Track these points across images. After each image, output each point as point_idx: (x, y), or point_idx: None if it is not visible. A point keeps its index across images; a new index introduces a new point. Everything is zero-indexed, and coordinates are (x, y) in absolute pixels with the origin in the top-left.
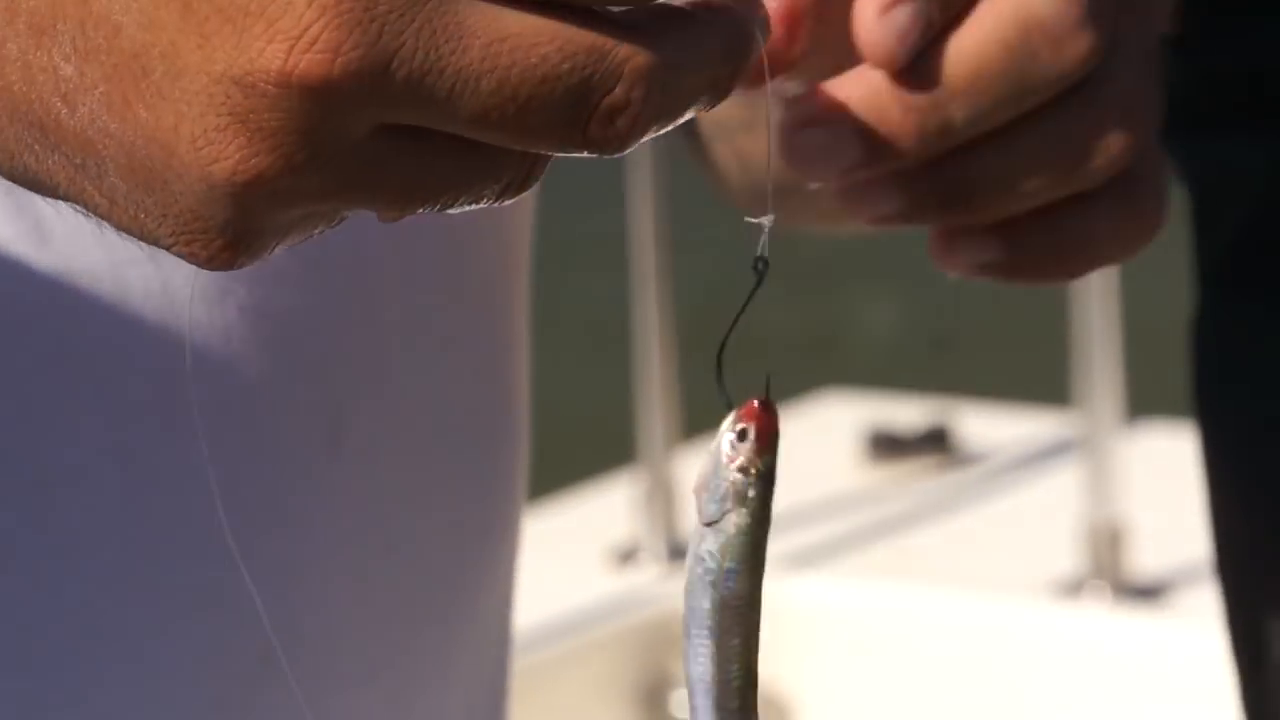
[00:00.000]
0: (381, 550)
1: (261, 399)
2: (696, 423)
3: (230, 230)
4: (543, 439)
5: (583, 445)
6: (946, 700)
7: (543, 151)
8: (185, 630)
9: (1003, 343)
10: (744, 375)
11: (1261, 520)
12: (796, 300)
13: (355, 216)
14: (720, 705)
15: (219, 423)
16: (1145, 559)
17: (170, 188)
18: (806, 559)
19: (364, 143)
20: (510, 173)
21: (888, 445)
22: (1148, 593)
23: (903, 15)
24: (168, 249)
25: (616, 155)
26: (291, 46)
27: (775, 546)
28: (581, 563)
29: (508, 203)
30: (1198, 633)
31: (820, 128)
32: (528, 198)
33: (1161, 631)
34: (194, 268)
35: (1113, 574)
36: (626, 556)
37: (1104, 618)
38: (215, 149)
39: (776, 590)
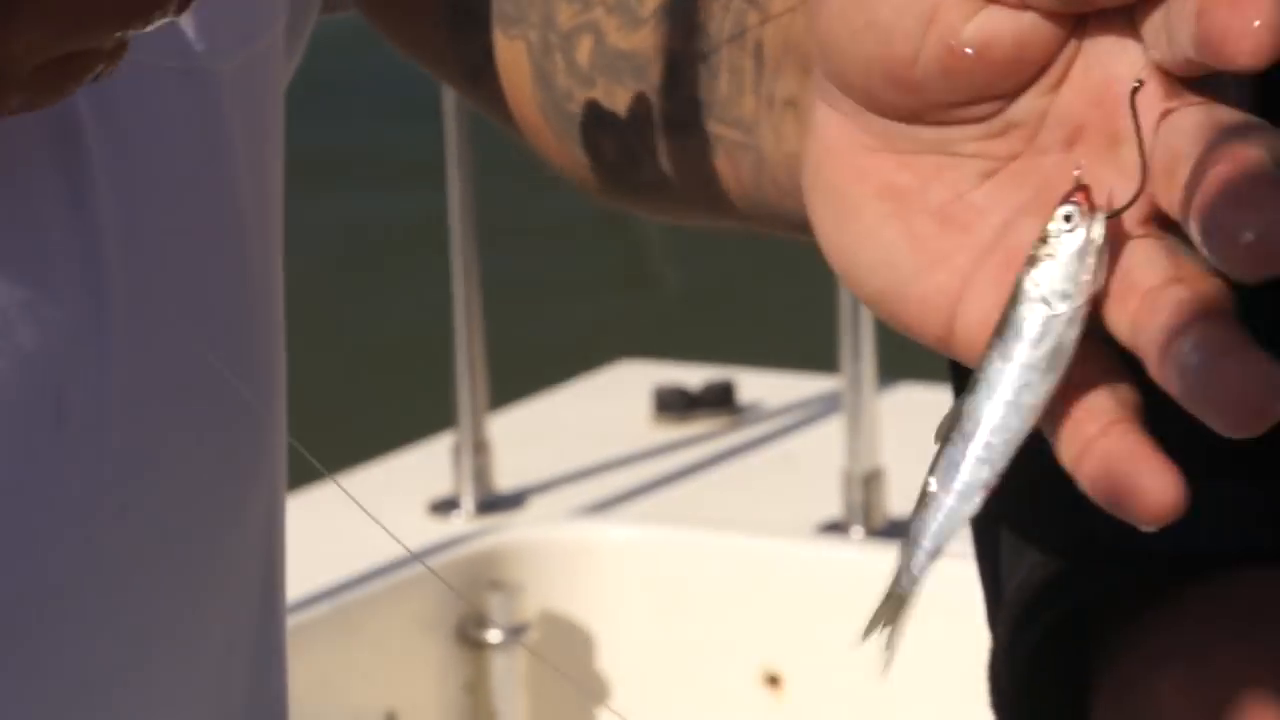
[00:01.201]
0: (111, 518)
1: None
2: (502, 393)
3: None
4: (372, 404)
5: (407, 409)
6: (728, 626)
7: None
8: None
9: (779, 314)
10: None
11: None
12: (595, 280)
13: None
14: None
15: None
16: (897, 502)
17: None
18: (604, 507)
19: None
20: None
21: (677, 406)
22: (899, 531)
23: None
24: None
25: None
26: None
27: (575, 496)
28: (406, 513)
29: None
30: (943, 563)
31: None
32: (272, 164)
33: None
34: None
35: (869, 515)
36: (445, 507)
37: (862, 553)
38: None
39: (577, 534)
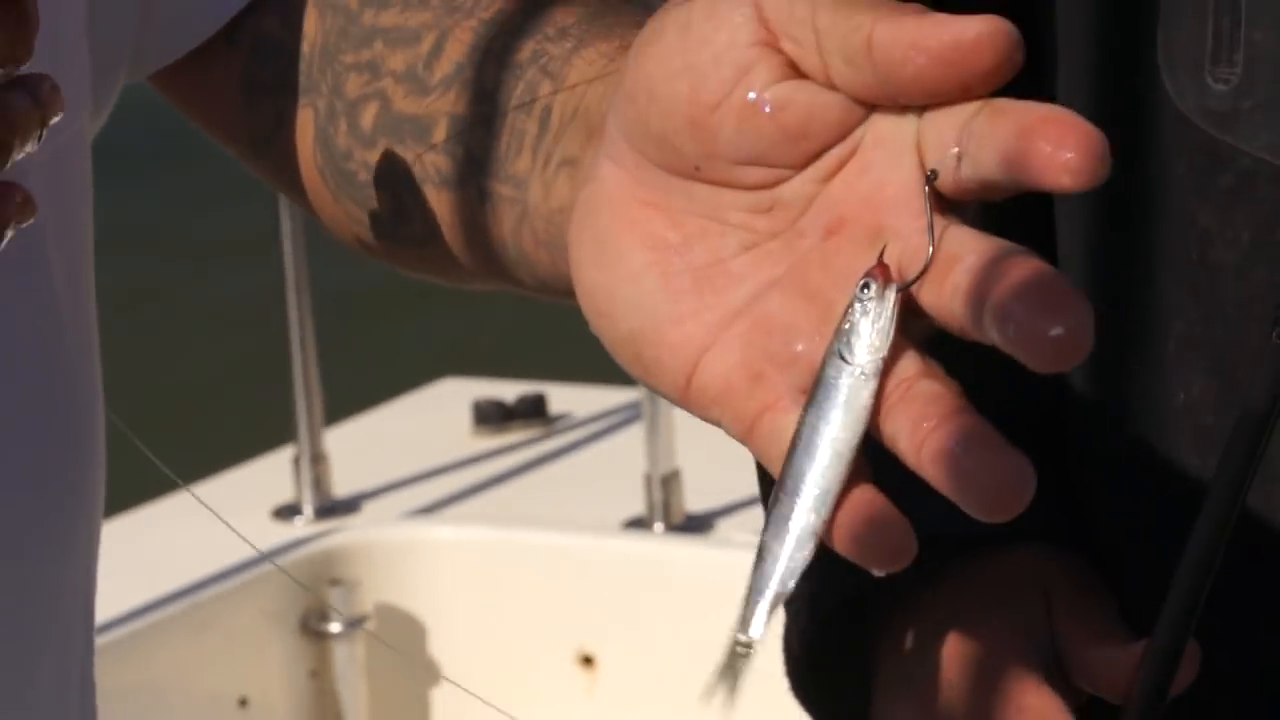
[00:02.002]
0: None
1: None
2: (337, 409)
3: None
4: (221, 419)
5: (250, 424)
6: (545, 613)
7: None
8: None
9: (586, 333)
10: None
11: None
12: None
13: None
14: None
15: None
16: (693, 499)
17: None
18: (432, 510)
19: None
20: None
21: (495, 417)
22: (695, 525)
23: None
24: None
25: None
26: None
27: (405, 500)
28: (252, 518)
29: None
30: (734, 553)
31: None
32: (82, 238)
33: (707, 555)
34: None
35: (668, 512)
36: (288, 513)
37: (663, 545)
38: None
39: (407, 535)
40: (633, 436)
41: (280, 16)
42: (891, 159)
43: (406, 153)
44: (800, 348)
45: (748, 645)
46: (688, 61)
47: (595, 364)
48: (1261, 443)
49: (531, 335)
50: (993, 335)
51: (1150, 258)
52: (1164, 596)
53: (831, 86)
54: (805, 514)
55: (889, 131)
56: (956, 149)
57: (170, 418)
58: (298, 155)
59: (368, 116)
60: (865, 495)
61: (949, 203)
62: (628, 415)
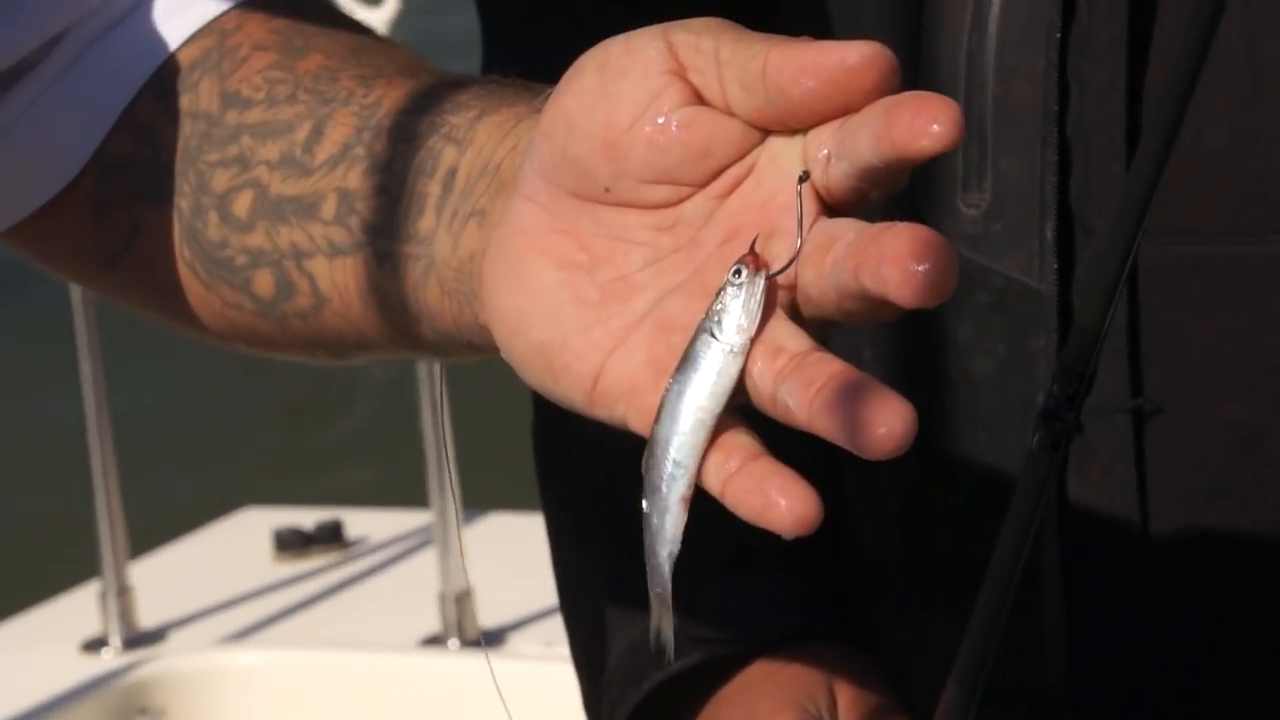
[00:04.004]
0: None
1: None
2: (141, 540)
3: None
4: (26, 555)
5: (56, 558)
6: None
7: None
8: None
9: (385, 458)
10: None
11: (583, 559)
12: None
13: None
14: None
15: None
16: (486, 615)
17: None
18: (237, 637)
19: None
20: None
21: (295, 544)
22: (488, 641)
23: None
24: None
25: None
26: None
27: (211, 629)
28: (60, 653)
29: None
30: (525, 665)
31: None
32: None
33: (500, 668)
34: None
35: (462, 629)
36: (95, 646)
37: (459, 660)
38: None
39: (213, 663)
40: (426, 557)
41: (130, 134)
42: (782, 173)
43: (291, 230)
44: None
45: (661, 594)
46: (605, 92)
47: (389, 487)
48: (1027, 545)
49: (326, 462)
50: (869, 284)
51: (914, 372)
52: (940, 691)
53: (730, 113)
54: (673, 481)
55: (780, 151)
56: (826, 151)
57: None
58: (158, 261)
59: (241, 205)
60: (763, 464)
61: (832, 207)
62: (421, 538)
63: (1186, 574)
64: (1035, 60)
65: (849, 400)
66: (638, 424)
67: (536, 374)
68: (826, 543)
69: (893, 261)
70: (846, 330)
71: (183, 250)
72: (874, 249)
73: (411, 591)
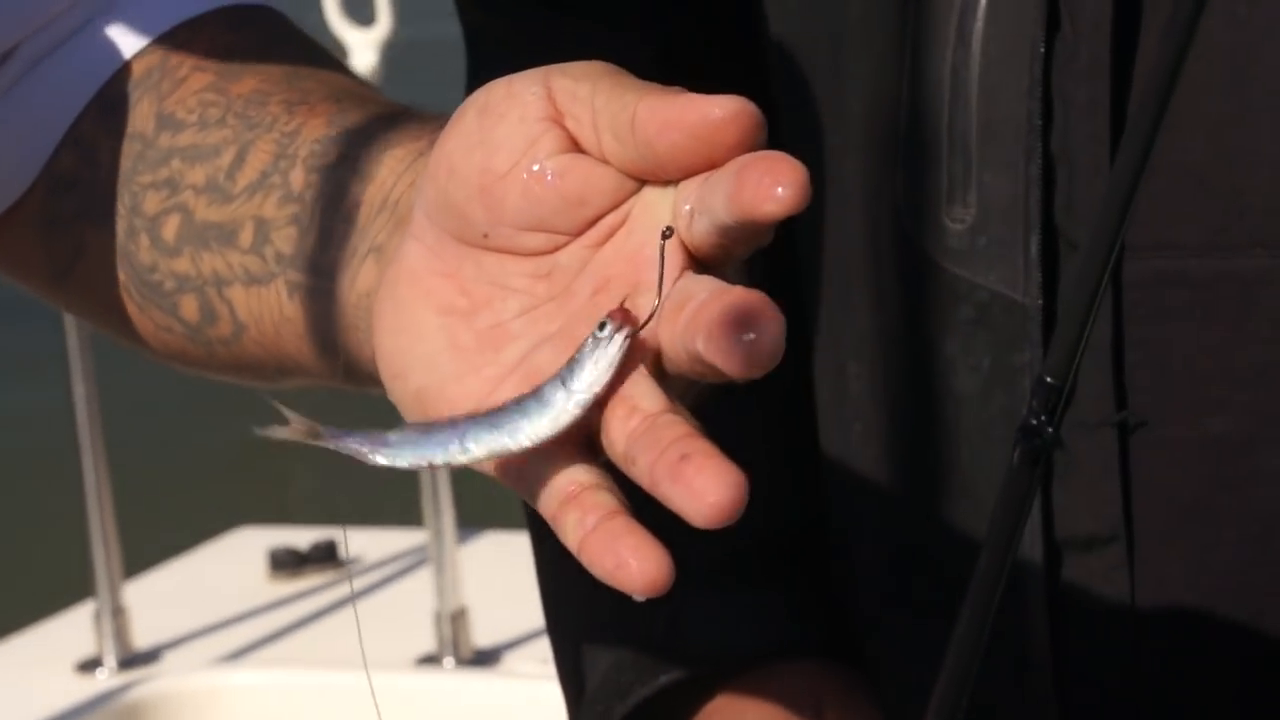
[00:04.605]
0: None
1: None
2: (135, 561)
3: None
4: (20, 576)
5: (50, 578)
6: None
7: None
8: None
9: (373, 478)
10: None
11: (563, 574)
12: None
13: None
14: None
15: None
16: (482, 634)
17: None
18: (232, 657)
19: None
20: None
21: (289, 564)
22: (483, 659)
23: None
24: None
25: None
26: None
27: (205, 649)
28: (55, 674)
29: None
30: (519, 684)
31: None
32: None
33: (494, 686)
34: None
35: (458, 647)
36: (90, 666)
37: (454, 680)
38: None
39: (208, 683)
40: (422, 576)
41: (75, 152)
42: (653, 225)
43: (212, 257)
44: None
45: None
46: (484, 136)
47: (384, 506)
48: (1009, 559)
49: (323, 480)
50: (700, 351)
51: (898, 387)
52: (926, 706)
53: (606, 161)
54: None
55: (654, 201)
56: (689, 206)
57: None
58: (100, 280)
59: (169, 229)
60: (620, 522)
61: (699, 263)
62: (416, 557)
63: (1172, 585)
64: (1019, 77)
65: (683, 461)
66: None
67: (414, 417)
68: (813, 558)
69: (720, 332)
70: (831, 344)
71: (118, 272)
72: (705, 316)
73: (407, 611)
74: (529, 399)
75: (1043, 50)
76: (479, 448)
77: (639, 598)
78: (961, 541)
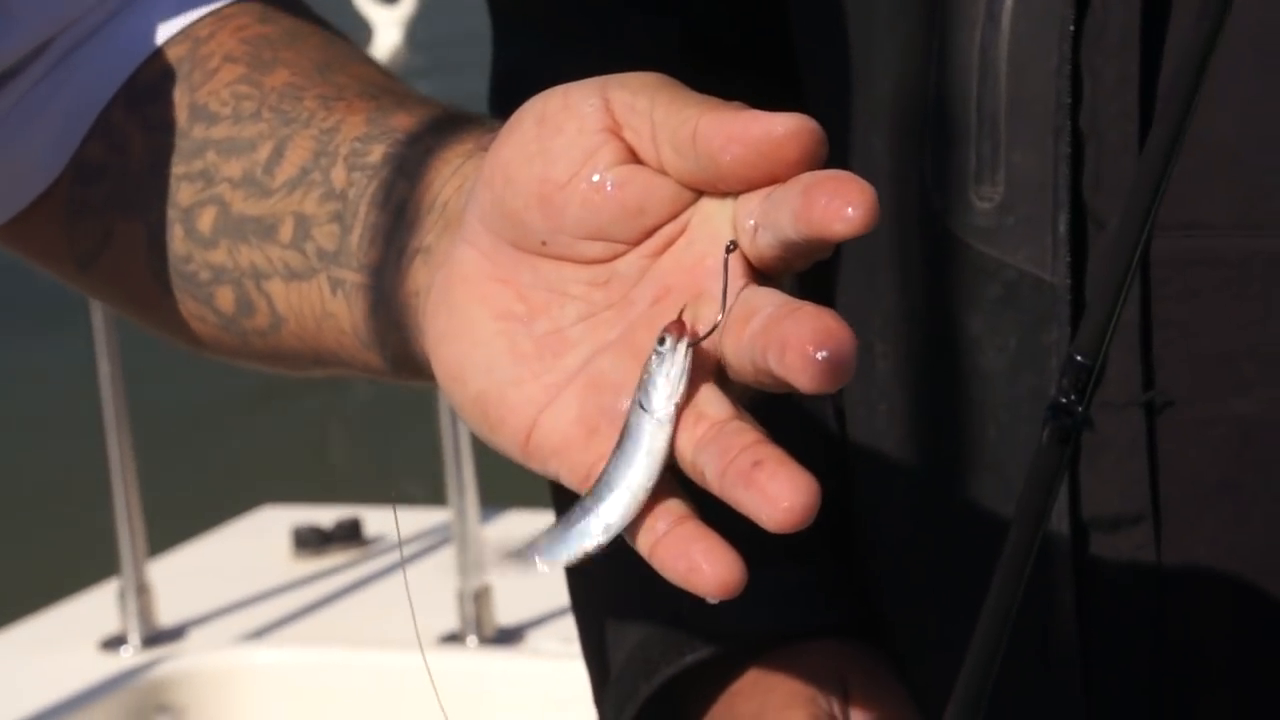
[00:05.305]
0: None
1: None
2: (160, 539)
3: None
4: (45, 554)
5: (75, 557)
6: None
7: None
8: None
9: (397, 457)
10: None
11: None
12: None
13: None
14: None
15: None
16: (504, 612)
17: None
18: (256, 635)
19: None
20: None
21: (313, 542)
22: (506, 638)
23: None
24: None
25: None
26: None
27: (229, 627)
28: (80, 651)
29: None
30: (542, 662)
31: None
32: None
33: (518, 665)
34: None
35: (481, 626)
36: (115, 644)
37: (478, 657)
38: None
39: (232, 661)
40: (445, 555)
41: (104, 141)
42: (713, 236)
43: (250, 251)
44: (629, 403)
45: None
46: (542, 146)
47: (407, 485)
48: (1037, 539)
49: (346, 459)
50: (774, 367)
51: (926, 366)
52: (951, 686)
53: (664, 172)
54: (598, 549)
55: (713, 213)
56: (753, 221)
57: None
58: (128, 268)
59: (205, 220)
60: (690, 527)
61: (759, 273)
62: (439, 536)
63: (1198, 565)
64: (1048, 54)
65: (757, 469)
66: (570, 480)
67: (474, 422)
68: (839, 538)
69: (795, 348)
70: (857, 324)
71: (150, 260)
72: (778, 332)
73: (431, 590)
74: (623, 444)
75: (1072, 27)
76: (616, 517)
77: (712, 600)
78: (988, 520)
